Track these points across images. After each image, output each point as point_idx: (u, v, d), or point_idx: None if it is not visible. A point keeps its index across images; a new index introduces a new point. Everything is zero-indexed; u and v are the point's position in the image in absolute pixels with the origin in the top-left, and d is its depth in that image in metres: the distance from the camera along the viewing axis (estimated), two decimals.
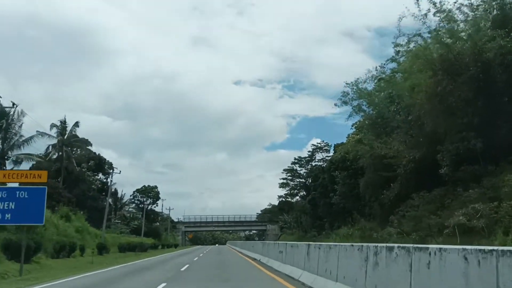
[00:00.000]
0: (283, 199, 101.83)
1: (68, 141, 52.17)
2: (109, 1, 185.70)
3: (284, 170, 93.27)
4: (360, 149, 51.82)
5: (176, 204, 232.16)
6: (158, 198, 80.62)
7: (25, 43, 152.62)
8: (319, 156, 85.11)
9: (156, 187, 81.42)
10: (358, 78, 49.21)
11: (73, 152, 55.14)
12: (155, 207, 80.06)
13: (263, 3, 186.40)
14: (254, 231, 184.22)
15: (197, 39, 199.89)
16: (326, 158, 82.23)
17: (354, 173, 63.04)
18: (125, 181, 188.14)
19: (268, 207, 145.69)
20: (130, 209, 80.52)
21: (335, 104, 56.95)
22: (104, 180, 68.60)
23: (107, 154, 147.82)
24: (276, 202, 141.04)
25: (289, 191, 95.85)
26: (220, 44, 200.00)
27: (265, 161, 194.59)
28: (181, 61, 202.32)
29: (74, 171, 51.63)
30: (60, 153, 50.32)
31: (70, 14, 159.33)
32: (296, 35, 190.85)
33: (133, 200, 78.48)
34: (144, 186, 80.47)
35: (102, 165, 65.26)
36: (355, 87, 52.14)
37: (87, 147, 65.46)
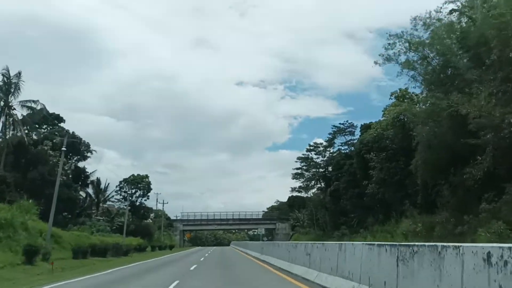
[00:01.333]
0: (297, 192, 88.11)
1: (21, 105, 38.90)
2: (109, 1, 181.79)
3: (298, 158, 79.68)
4: (418, 112, 38.51)
5: (176, 204, 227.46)
6: (149, 190, 67.82)
7: (25, 43, 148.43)
8: (340, 140, 71.41)
9: (147, 176, 68.50)
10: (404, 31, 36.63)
11: (26, 127, 41.52)
12: (145, 200, 67.33)
13: (265, 4, 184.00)
14: (259, 231, 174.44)
15: (198, 40, 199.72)
16: (351, 141, 68.59)
17: (394, 154, 49.64)
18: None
19: (275, 204, 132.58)
20: (114, 203, 67.15)
21: (375, 62, 43.97)
22: (81, 166, 55.27)
23: (109, 155, 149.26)
24: (284, 199, 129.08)
25: (304, 183, 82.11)
26: (222, 45, 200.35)
27: (267, 161, 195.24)
28: (183, 62, 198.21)
29: (27, 147, 38.25)
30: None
31: (70, 14, 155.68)
32: (297, 36, 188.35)
33: (118, 192, 65.47)
34: (132, 175, 67.50)
35: (76, 146, 51.94)
36: (404, 37, 39.93)
37: (58, 124, 52.06)
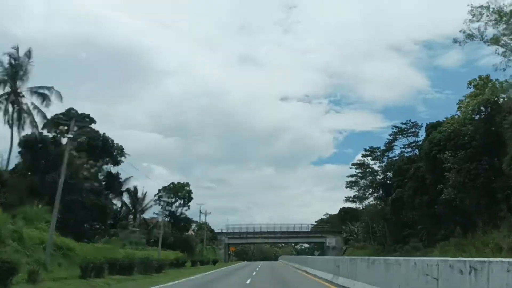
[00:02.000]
0: (351, 203, 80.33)
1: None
2: (157, 21, 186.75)
3: (353, 164, 72.24)
4: None
5: (222, 219, 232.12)
6: (190, 199, 61.79)
7: (78, 64, 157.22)
8: (402, 142, 63.46)
9: (188, 184, 62.70)
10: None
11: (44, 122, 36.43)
12: (186, 210, 61.45)
13: (309, 19, 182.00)
14: (307, 245, 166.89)
15: (244, 57, 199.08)
16: (416, 143, 60.63)
17: (476, 153, 41.55)
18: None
19: (324, 217, 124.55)
20: (156, 216, 61.76)
21: (455, 41, 37.14)
22: (111, 170, 50.13)
23: (158, 170, 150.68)
24: (330, 213, 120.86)
25: (359, 192, 74.31)
26: (267, 61, 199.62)
27: (312, 176, 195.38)
28: (229, 79, 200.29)
29: (47, 146, 33.06)
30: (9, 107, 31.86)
31: (120, 36, 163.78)
32: (342, 50, 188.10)
33: (157, 201, 59.98)
34: (172, 183, 61.86)
35: (107, 148, 46.78)
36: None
37: (88, 126, 47.18)
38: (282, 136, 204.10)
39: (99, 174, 50.25)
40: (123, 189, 54.77)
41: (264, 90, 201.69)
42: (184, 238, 60.02)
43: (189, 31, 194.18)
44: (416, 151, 61.84)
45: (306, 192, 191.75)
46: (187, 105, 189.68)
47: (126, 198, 59.26)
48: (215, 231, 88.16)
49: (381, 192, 67.84)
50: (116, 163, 49.89)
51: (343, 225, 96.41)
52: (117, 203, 56.66)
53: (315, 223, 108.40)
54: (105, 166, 49.01)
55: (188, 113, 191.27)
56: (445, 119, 49.27)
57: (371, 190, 70.61)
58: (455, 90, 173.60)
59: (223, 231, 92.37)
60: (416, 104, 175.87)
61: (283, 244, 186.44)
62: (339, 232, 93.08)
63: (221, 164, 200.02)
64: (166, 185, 61.77)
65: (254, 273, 29.28)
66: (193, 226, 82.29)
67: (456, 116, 45.82)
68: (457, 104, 45.08)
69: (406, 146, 61.57)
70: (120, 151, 49.88)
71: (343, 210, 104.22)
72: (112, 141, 48.85)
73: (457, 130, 43.37)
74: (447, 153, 43.42)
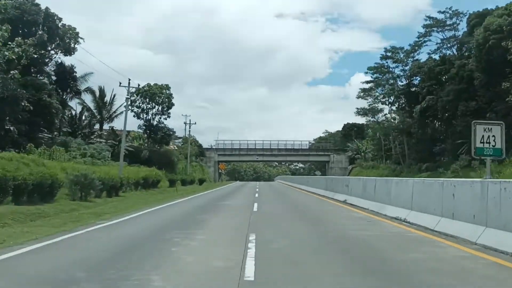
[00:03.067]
0: (362, 116, 68.90)
1: None
2: None
3: (369, 69, 59.75)
4: None
5: (215, 138, 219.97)
6: (171, 106, 49.61)
7: None
8: (436, 38, 50.86)
9: (167, 87, 49.92)
10: None
11: None
12: (165, 119, 49.50)
13: None
14: (301, 165, 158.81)
15: None
16: (455, 38, 48.10)
17: None
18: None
19: (323, 135, 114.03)
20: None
21: None
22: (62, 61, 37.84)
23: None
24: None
25: (374, 102, 62.78)
26: None
27: (307, 96, 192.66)
28: None
29: None
30: None
31: None
32: None
33: (129, 108, 47.93)
34: (148, 84, 49.12)
35: (52, 30, 34.02)
36: None
37: None
38: (276, 55, 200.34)
39: (47, 67, 38.02)
40: (81, 87, 42.51)
41: (259, 6, 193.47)
42: (162, 152, 48.67)
43: None
44: (454, 50, 49.62)
45: (299, 113, 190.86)
46: (179, 20, 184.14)
47: (90, 102, 47.21)
48: (203, 147, 77.22)
49: (403, 101, 56.08)
50: (68, 51, 37.24)
51: (348, 142, 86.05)
52: (77, 108, 44.89)
53: (313, 141, 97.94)
54: (56, 58, 36.68)
55: (180, 30, 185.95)
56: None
57: (391, 99, 58.77)
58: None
59: (213, 147, 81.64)
60: (415, 24, 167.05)
61: (277, 164, 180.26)
62: (344, 150, 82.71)
63: (213, 83, 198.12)
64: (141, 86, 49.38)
65: (255, 205, 18.26)
66: (179, 141, 71.13)
67: None
68: None
69: (444, 41, 48.95)
70: (74, 36, 37.04)
71: (347, 126, 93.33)
72: (60, 20, 36.01)
73: None
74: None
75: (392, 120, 64.00)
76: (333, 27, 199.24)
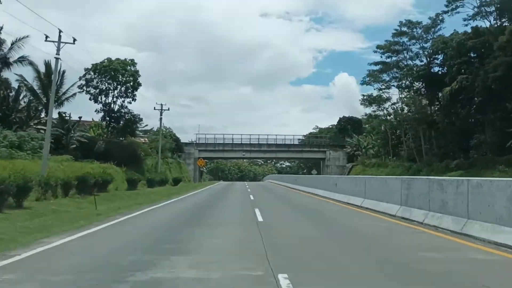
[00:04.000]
0: (365, 106, 59.17)
1: None
2: None
3: (379, 47, 49.94)
4: None
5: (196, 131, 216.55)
6: (137, 87, 39.15)
7: None
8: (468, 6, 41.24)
9: (133, 62, 39.45)
10: None
11: None
12: (129, 103, 39.06)
13: None
14: (288, 163, 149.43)
15: None
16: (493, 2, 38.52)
17: None
18: (150, 113, 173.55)
19: (314, 130, 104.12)
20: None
21: None
22: None
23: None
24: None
25: (384, 86, 53.14)
26: None
27: (291, 96, 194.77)
28: None
29: None
30: None
31: None
32: None
33: (83, 88, 37.36)
34: (107, 59, 38.58)
35: None
36: None
37: None
38: (260, 54, 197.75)
39: None
40: (11, 57, 31.92)
41: (243, 5, 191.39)
42: (124, 145, 38.23)
43: None
44: (485, 21, 40.21)
45: (284, 112, 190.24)
46: (164, 18, 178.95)
47: (34, 83, 36.52)
48: (181, 141, 66.79)
49: (421, 85, 46.49)
50: None
51: (344, 138, 76.51)
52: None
53: (303, 138, 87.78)
54: None
55: (164, 27, 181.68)
56: None
57: (405, 83, 49.11)
58: (438, 11, 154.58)
59: (193, 141, 71.29)
60: (397, 24, 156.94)
61: (263, 162, 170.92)
62: (342, 146, 73.05)
63: (198, 81, 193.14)
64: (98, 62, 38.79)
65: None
66: (150, 133, 60.57)
67: None
68: None
69: (483, 3, 39.22)
70: None
71: (343, 120, 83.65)
72: None
73: None
74: None
75: (401, 110, 54.55)
76: (317, 27, 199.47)
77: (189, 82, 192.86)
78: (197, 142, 70.65)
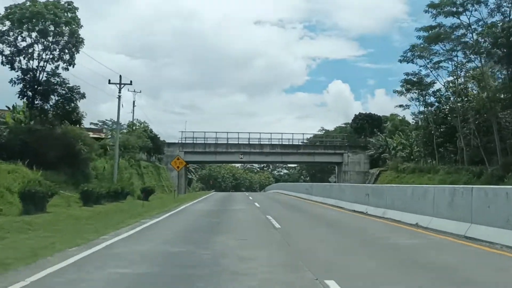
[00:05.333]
0: (409, 85, 44.39)
1: None
2: None
3: (431, 6, 35.64)
4: None
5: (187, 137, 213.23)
6: (79, 46, 25.49)
7: None
8: None
9: (71, 7, 25.77)
10: None
11: None
12: (65, 69, 25.01)
13: None
14: (286, 170, 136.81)
15: None
16: None
17: None
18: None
19: (320, 132, 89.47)
20: None
21: None
22: None
23: (125, 94, 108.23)
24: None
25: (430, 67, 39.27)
26: None
27: (285, 103, 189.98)
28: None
29: None
30: None
31: None
32: None
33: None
34: (29, 0, 25.10)
35: None
36: None
37: None
38: (254, 61, 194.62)
39: None
40: None
41: (238, 12, 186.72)
42: (55, 136, 23.58)
43: None
44: None
45: (278, 120, 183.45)
46: (157, 26, 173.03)
47: None
48: (160, 139, 52.16)
49: (500, 54, 32.15)
50: None
51: (363, 138, 62.57)
52: None
53: (306, 142, 72.86)
54: None
55: (158, 35, 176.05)
56: None
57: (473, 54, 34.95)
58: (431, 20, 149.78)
59: (179, 141, 56.88)
60: (391, 33, 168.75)
61: (259, 169, 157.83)
62: (364, 148, 58.99)
63: (192, 89, 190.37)
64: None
65: None
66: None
67: None
68: None
69: None
70: None
71: (360, 117, 69.56)
72: None
73: None
74: None
75: (456, 96, 40.63)
76: (311, 35, 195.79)
77: (184, 90, 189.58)
78: (183, 142, 56.21)
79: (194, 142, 56.80)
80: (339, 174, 60.41)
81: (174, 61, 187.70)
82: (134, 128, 45.23)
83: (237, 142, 57.26)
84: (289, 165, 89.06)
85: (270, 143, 57.94)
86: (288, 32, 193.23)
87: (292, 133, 61.48)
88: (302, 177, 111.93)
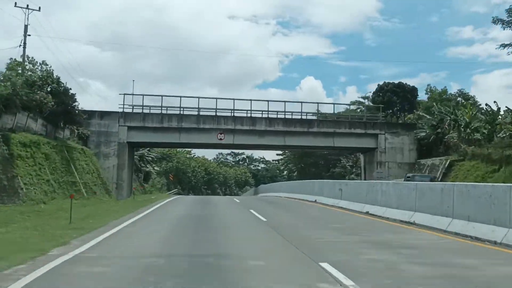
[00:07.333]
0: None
1: None
2: None
3: None
4: None
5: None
6: None
7: None
8: None
9: None
10: None
11: None
12: None
13: None
14: (265, 165, 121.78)
15: None
16: None
17: None
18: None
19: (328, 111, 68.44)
20: None
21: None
22: None
23: (95, 86, 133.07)
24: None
25: None
26: None
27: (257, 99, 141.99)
28: None
29: None
30: None
31: None
32: None
33: None
34: None
35: None
36: None
37: None
38: (227, 56, 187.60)
39: None
40: None
41: (211, 6, 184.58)
42: None
43: None
44: None
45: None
46: (128, 17, 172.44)
47: None
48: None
49: None
50: None
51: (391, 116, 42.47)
52: None
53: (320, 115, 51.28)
54: None
55: (128, 26, 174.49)
56: None
57: None
58: (403, 19, 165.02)
59: (119, 109, 35.13)
60: (363, 31, 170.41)
61: (234, 162, 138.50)
62: (410, 126, 38.87)
63: (163, 82, 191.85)
64: None
65: None
66: None
67: None
68: None
69: None
70: None
71: (386, 87, 49.34)
72: None
73: None
74: None
75: None
76: (284, 31, 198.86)
77: (154, 82, 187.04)
78: (126, 111, 34.59)
79: (145, 112, 35.31)
80: (367, 166, 39.97)
81: (146, 54, 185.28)
82: (22, 70, 23.70)
83: (214, 114, 36.11)
84: (297, 149, 66.77)
85: (267, 116, 36.94)
86: (261, 27, 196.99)
87: (301, 102, 40.01)
88: (286, 172, 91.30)
